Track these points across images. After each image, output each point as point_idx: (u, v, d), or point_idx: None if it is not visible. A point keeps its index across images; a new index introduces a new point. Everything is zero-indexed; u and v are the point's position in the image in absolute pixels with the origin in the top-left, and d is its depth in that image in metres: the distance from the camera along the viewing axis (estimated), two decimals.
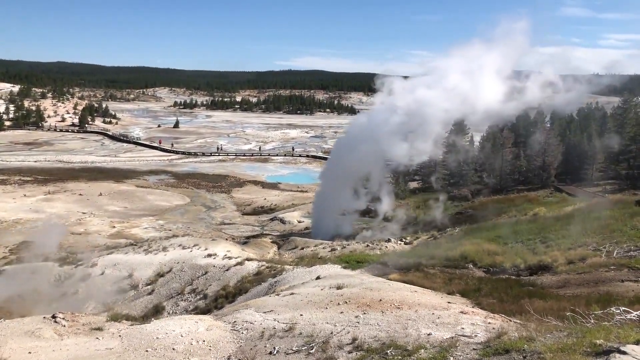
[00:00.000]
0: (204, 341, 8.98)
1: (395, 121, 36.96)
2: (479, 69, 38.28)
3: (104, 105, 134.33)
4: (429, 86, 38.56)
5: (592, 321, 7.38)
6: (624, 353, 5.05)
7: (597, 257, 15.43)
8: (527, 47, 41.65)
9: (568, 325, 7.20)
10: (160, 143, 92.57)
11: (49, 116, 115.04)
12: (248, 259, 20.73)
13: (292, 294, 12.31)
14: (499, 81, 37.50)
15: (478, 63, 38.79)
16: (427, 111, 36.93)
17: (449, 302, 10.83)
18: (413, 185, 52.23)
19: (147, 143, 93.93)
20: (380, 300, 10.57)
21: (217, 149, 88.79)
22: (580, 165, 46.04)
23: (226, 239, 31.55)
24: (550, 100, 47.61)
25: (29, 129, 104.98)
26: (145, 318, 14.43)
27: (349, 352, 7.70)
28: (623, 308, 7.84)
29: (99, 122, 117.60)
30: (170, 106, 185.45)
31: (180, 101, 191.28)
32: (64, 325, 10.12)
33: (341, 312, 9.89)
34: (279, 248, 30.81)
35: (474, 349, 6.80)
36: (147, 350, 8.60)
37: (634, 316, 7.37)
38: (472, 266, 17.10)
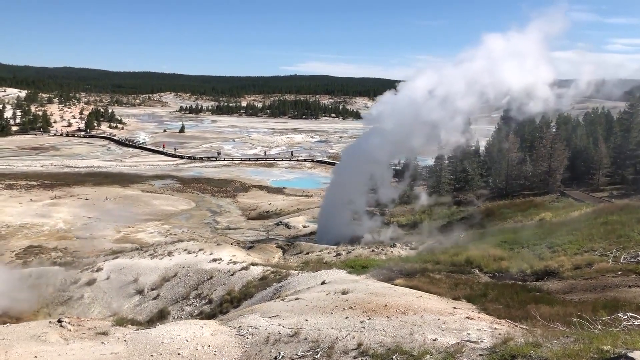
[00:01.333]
0: (209, 346, 8.98)
1: (444, 97, 35.85)
2: (521, 49, 37.72)
3: (110, 110, 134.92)
4: (472, 63, 37.87)
5: (599, 327, 7.33)
6: (632, 359, 5.02)
7: (604, 262, 15.34)
8: (564, 27, 41.22)
9: (575, 331, 7.16)
10: (164, 147, 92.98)
11: (55, 121, 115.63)
12: (253, 264, 20.72)
13: (297, 299, 12.30)
14: (543, 61, 37.11)
15: (518, 44, 38.33)
16: (473, 89, 36.18)
17: (454, 308, 10.78)
18: (418, 189, 52.13)
19: (153, 148, 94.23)
20: (386, 305, 10.54)
21: (218, 153, 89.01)
22: (587, 170, 45.83)
23: (231, 244, 31.55)
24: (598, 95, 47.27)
25: (35, 134, 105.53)
26: (150, 323, 14.45)
27: (355, 358, 7.68)
28: (630, 314, 7.79)
29: (105, 127, 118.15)
30: (176, 111, 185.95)
31: (186, 106, 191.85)
32: (70, 330, 10.16)
33: (346, 318, 9.87)
34: (284, 253, 30.81)
35: (480, 354, 6.77)
36: (152, 355, 8.61)
37: None
38: (477, 271, 17.03)
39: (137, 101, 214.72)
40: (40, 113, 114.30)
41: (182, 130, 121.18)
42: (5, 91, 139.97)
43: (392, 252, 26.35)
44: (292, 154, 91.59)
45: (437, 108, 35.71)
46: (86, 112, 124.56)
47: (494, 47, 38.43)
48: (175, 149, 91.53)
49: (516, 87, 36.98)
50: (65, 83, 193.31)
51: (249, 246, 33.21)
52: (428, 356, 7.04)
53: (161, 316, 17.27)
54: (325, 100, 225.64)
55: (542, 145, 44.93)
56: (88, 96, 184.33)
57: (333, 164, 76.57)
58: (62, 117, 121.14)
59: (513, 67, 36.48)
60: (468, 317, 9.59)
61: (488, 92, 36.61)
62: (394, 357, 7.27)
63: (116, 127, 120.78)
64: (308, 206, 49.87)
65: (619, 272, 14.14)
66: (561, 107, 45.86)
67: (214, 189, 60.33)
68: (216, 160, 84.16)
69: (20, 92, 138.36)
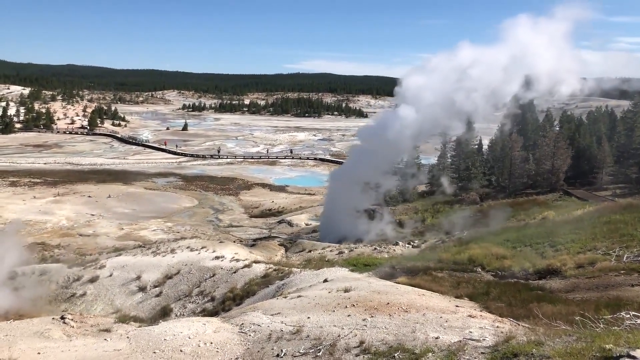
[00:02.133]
0: (211, 343, 9.00)
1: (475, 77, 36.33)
2: (550, 33, 37.92)
3: (113, 108, 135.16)
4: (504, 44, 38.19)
5: (601, 326, 7.32)
6: (634, 358, 5.01)
7: (607, 261, 15.29)
8: (588, 16, 41.71)
9: (577, 329, 7.14)
10: (165, 144, 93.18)
11: (58, 119, 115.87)
12: (255, 262, 20.74)
13: (299, 296, 12.30)
14: (569, 48, 37.44)
15: (547, 29, 38.49)
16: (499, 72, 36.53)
17: (457, 306, 10.78)
18: (421, 188, 52.10)
19: (155, 145, 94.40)
20: (388, 303, 10.54)
21: (217, 151, 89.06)
22: (590, 169, 45.74)
23: (234, 242, 31.58)
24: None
25: (39, 131, 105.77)
26: (153, 320, 14.48)
27: (357, 355, 7.69)
28: (633, 313, 7.77)
29: (108, 125, 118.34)
30: (179, 109, 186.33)
31: (189, 104, 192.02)
32: (73, 327, 10.18)
33: (348, 315, 9.87)
34: (286, 251, 30.81)
35: (482, 352, 6.77)
36: (154, 352, 8.63)
37: None
38: (480, 270, 17.01)
39: (140, 99, 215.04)
40: (43, 110, 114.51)
41: (185, 128, 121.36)
42: (8, 89, 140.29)
43: (394, 250, 26.33)
44: (291, 151, 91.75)
45: (472, 87, 35.95)
46: (89, 110, 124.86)
47: (524, 30, 38.63)
48: (177, 146, 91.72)
49: (545, 70, 37.12)
50: (69, 81, 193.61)
51: (252, 244, 33.22)
52: (430, 354, 7.04)
53: (164, 313, 17.29)
54: (328, 99, 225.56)
55: (545, 144, 44.85)
56: (91, 94, 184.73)
57: (336, 162, 76.63)
58: (65, 114, 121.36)
59: (544, 50, 36.71)
60: (470, 316, 9.58)
61: (520, 75, 36.84)
62: (396, 355, 7.28)
63: (119, 125, 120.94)
64: (310, 204, 49.89)
65: (621, 271, 14.11)
66: (592, 94, 46.11)
67: (217, 186, 60.42)
68: (219, 158, 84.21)
69: (23, 89, 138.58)
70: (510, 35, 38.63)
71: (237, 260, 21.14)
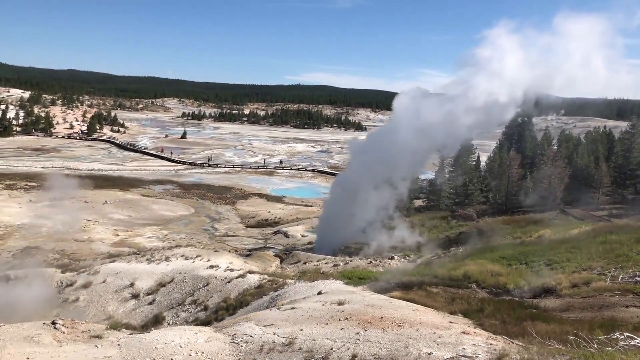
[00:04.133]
0: (203, 352, 8.93)
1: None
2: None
3: (112, 114, 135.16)
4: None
5: (595, 346, 7.30)
6: None
7: (602, 281, 15.28)
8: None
9: (571, 349, 7.12)
10: (162, 151, 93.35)
11: (57, 123, 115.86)
12: (250, 272, 20.67)
13: (293, 308, 12.25)
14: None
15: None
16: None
17: (450, 322, 10.74)
18: (418, 203, 52.12)
19: (154, 152, 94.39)
20: (382, 317, 10.50)
21: (208, 159, 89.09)
22: (587, 188, 45.81)
23: (229, 251, 31.49)
24: None
25: (37, 135, 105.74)
26: (145, 327, 14.40)
27: None
28: (627, 334, 7.75)
29: (107, 131, 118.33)
30: (179, 117, 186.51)
31: (189, 112, 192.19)
32: (64, 332, 10.10)
33: (342, 328, 9.82)
34: (281, 262, 30.73)
35: None
36: None
37: (638, 342, 7.29)
38: (475, 286, 16.97)
39: (140, 106, 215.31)
40: (43, 114, 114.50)
41: (184, 136, 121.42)
42: (9, 92, 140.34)
43: (389, 264, 26.30)
44: (281, 162, 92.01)
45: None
46: (89, 115, 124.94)
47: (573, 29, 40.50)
48: (171, 153, 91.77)
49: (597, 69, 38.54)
50: (69, 85, 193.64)
51: (247, 254, 33.14)
52: None
53: (156, 321, 17.21)
54: (328, 111, 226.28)
55: (543, 162, 44.93)
56: (91, 99, 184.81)
57: (334, 174, 76.59)
58: (64, 119, 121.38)
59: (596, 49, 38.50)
60: (464, 332, 9.54)
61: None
62: None
63: (118, 131, 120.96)
64: (307, 216, 49.82)
65: (616, 292, 14.09)
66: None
67: (214, 195, 60.31)
68: (216, 166, 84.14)
69: (24, 92, 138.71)
70: (567, 29, 39.85)
71: (232, 270, 21.08)
